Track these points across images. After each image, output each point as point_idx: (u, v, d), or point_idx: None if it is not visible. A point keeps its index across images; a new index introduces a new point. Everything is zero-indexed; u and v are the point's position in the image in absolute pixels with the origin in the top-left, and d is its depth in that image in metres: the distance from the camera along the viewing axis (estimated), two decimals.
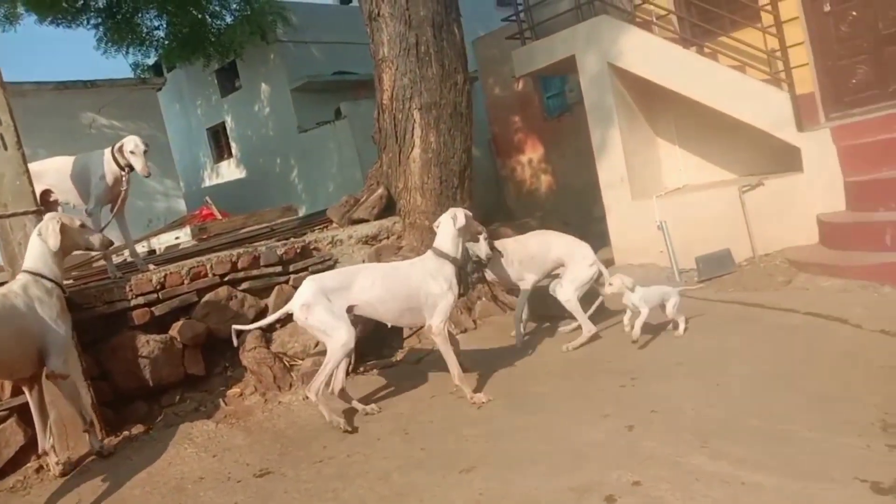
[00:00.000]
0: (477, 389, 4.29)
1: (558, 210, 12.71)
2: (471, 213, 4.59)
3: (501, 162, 14.01)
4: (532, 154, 13.30)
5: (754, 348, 4.30)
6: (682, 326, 4.85)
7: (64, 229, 3.88)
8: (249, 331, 4.64)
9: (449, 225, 4.38)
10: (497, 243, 5.20)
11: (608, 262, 7.12)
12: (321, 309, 3.99)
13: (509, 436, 3.53)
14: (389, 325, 4.43)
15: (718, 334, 4.70)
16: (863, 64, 6.50)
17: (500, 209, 13.44)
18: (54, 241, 3.82)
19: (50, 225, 3.86)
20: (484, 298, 6.22)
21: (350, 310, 4.15)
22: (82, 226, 4.11)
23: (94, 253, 4.31)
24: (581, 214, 11.83)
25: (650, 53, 7.06)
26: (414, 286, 4.23)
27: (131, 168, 4.86)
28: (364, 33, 6.72)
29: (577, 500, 2.76)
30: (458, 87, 6.34)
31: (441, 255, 4.33)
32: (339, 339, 3.98)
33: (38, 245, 3.85)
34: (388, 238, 6.37)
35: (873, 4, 6.33)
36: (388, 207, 6.61)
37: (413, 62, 6.18)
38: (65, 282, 4.02)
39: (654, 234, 6.95)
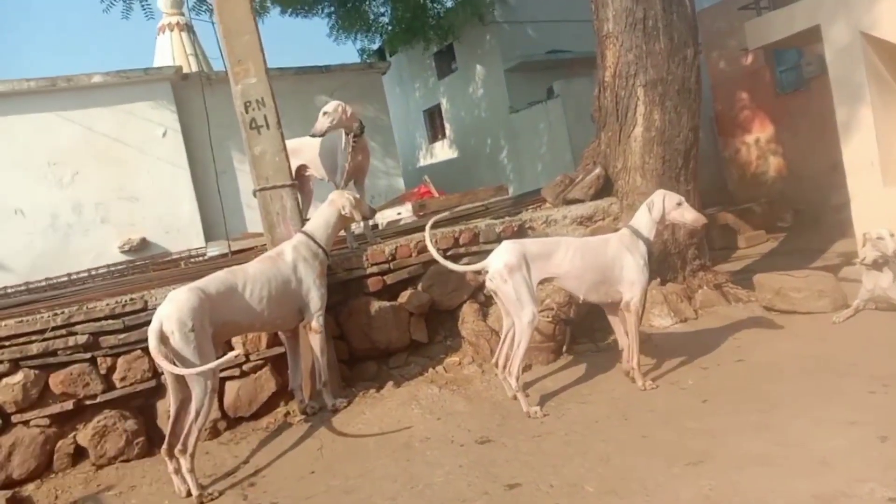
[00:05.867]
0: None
1: (787, 196, 11.70)
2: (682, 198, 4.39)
3: (724, 142, 13.15)
4: (759, 133, 12.32)
5: None
6: None
7: (357, 203, 4.45)
8: (443, 266, 4.39)
9: (658, 206, 4.27)
10: None
11: (850, 257, 6.45)
12: (521, 277, 3.95)
13: (737, 433, 3.35)
14: (581, 300, 4.32)
15: None
16: None
17: (720, 193, 12.64)
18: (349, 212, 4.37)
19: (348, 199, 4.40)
20: (705, 287, 5.90)
21: (543, 282, 4.15)
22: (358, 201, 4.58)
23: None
24: (815, 202, 10.78)
25: None
26: (610, 259, 4.19)
27: (357, 133, 5.15)
28: (579, 10, 6.61)
29: None
30: (688, 61, 6.02)
31: (636, 233, 4.27)
32: (529, 315, 3.94)
33: (325, 211, 4.36)
34: (603, 219, 6.24)
35: None
36: (605, 188, 6.47)
37: (639, 37, 5.96)
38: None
39: None
